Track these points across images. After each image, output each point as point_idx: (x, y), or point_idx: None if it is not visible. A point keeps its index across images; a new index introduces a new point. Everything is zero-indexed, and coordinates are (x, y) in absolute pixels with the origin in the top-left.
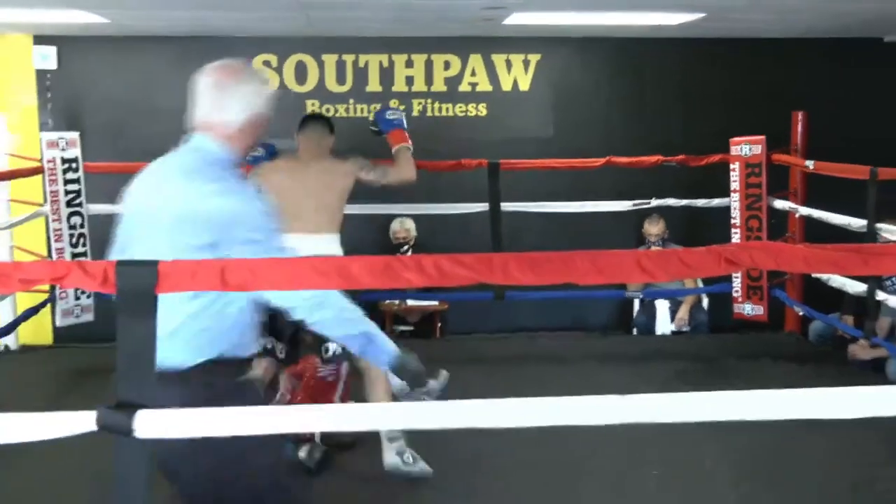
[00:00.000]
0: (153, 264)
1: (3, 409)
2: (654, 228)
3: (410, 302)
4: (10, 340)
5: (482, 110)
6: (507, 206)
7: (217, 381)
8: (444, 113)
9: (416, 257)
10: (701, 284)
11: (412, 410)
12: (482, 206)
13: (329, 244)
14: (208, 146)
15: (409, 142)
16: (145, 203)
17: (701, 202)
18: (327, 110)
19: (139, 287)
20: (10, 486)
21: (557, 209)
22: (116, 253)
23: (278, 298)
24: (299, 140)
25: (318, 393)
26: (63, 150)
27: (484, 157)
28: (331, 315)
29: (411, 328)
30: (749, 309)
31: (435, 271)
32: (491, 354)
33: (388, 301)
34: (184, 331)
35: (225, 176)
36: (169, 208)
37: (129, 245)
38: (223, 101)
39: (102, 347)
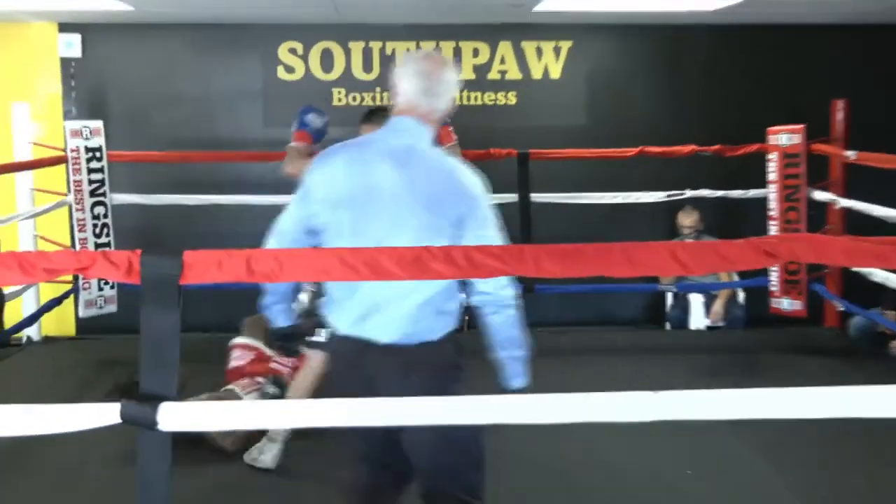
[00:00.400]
0: (178, 254)
1: (26, 401)
2: (687, 220)
3: None
4: (32, 332)
5: (511, 98)
6: (536, 197)
7: (454, 352)
8: (472, 101)
9: (446, 248)
10: (736, 278)
11: (441, 405)
12: (511, 197)
13: None
14: (418, 129)
15: (455, 138)
16: (359, 186)
17: (736, 193)
18: (353, 98)
19: (164, 277)
20: (26, 476)
21: (588, 200)
22: (283, 240)
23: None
24: (365, 132)
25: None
26: (87, 138)
27: (513, 146)
28: (513, 311)
29: None
30: (787, 304)
31: (465, 262)
32: None
33: None
34: (427, 309)
35: (455, 158)
36: (406, 188)
37: (319, 230)
38: (432, 89)
39: (126, 339)
